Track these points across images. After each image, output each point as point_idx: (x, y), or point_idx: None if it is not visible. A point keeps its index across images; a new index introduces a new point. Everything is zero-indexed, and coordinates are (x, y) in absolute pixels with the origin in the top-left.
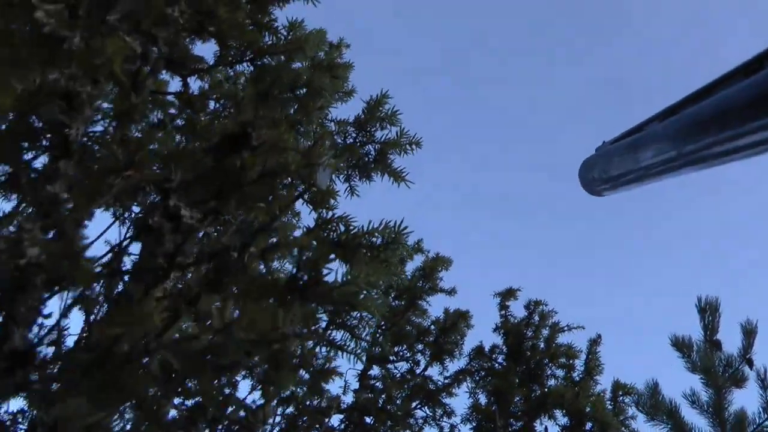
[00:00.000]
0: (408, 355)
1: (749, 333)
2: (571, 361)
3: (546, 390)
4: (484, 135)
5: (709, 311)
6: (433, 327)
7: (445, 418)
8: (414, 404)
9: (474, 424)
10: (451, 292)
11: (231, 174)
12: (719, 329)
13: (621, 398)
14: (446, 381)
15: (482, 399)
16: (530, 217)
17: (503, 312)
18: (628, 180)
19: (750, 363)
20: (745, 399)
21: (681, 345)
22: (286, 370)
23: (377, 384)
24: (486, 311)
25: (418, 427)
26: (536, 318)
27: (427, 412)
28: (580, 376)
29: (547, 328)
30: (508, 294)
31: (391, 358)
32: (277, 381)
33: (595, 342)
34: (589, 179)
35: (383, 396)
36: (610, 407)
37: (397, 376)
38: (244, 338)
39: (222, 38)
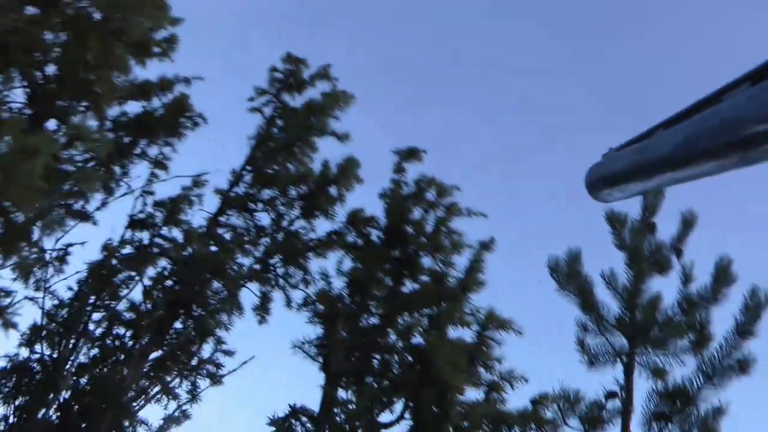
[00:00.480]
0: (279, 203)
1: (688, 223)
2: (452, 257)
3: (416, 287)
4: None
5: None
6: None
7: (301, 286)
8: (273, 261)
9: (317, 313)
10: (344, 138)
11: None
12: (658, 213)
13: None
14: (313, 243)
15: (338, 283)
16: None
17: (398, 176)
18: (635, 187)
19: (678, 253)
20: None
21: (614, 220)
22: None
23: (226, 234)
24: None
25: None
26: (432, 196)
27: (283, 272)
28: (460, 278)
29: (443, 209)
30: (410, 154)
31: (251, 205)
32: None
33: (486, 246)
34: (596, 185)
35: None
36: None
37: (251, 229)
38: None
39: None
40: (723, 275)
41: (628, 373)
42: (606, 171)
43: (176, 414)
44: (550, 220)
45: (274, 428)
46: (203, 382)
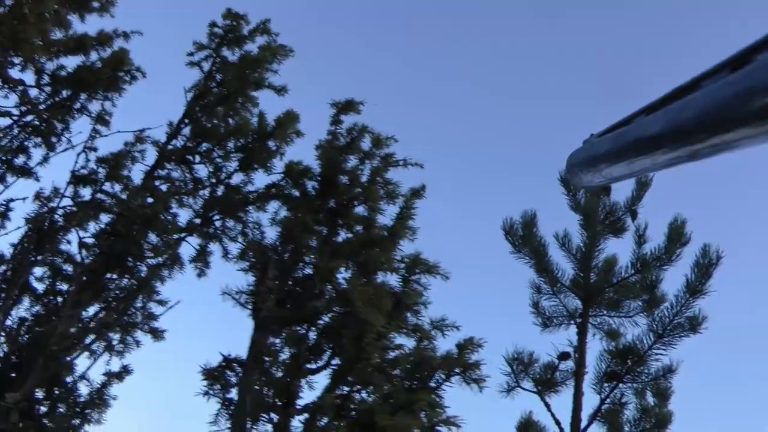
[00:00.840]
0: (217, 156)
1: (643, 185)
2: (386, 205)
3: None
4: None
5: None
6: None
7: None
8: (212, 214)
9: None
10: (282, 90)
11: None
12: None
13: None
14: (252, 196)
15: (272, 233)
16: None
17: (334, 127)
18: (614, 173)
19: (634, 215)
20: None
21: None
22: None
23: (162, 186)
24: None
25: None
26: (368, 145)
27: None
28: (389, 226)
29: (378, 159)
30: (346, 106)
31: (189, 158)
32: None
33: (417, 193)
34: (576, 171)
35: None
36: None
37: (188, 182)
38: None
39: None
40: (676, 235)
41: (582, 334)
42: (586, 157)
43: (118, 370)
44: (509, 183)
45: (206, 378)
46: (145, 337)
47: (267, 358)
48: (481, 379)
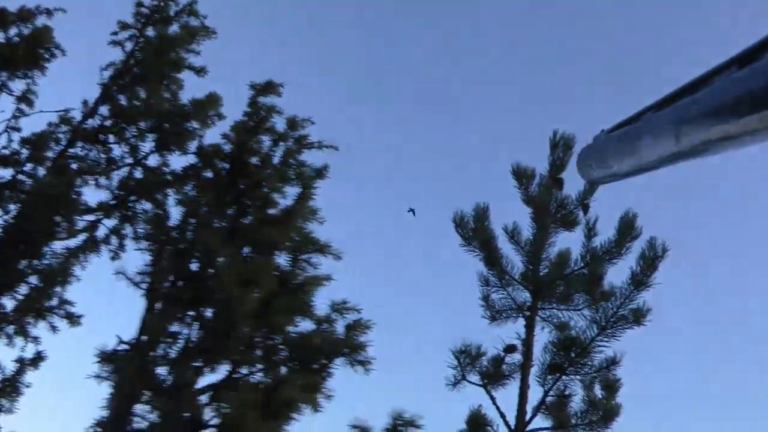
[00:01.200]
0: (132, 137)
1: None
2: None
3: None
4: None
5: (561, 147)
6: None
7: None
8: (126, 195)
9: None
10: (201, 71)
11: None
12: (567, 168)
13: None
14: (169, 177)
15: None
16: None
17: (252, 110)
18: (625, 170)
19: (585, 208)
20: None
21: (521, 174)
22: None
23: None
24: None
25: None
26: (283, 127)
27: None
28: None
29: (292, 141)
30: (266, 88)
31: (103, 137)
32: None
33: (319, 173)
34: (587, 168)
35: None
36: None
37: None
38: None
39: None
40: (627, 229)
41: (530, 327)
42: (596, 152)
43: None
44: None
45: (100, 361)
46: (61, 322)
47: (166, 340)
48: (367, 362)
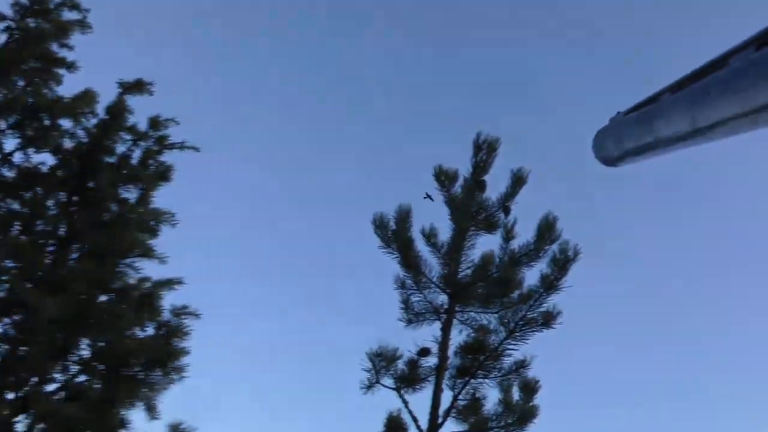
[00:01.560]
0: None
1: (518, 180)
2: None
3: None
4: None
5: (485, 149)
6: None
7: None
8: None
9: None
10: (72, 66)
11: None
12: (490, 171)
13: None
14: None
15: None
16: None
17: (116, 108)
18: (641, 152)
19: (506, 211)
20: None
21: (443, 176)
22: None
23: None
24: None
25: None
26: (145, 126)
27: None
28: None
29: (154, 140)
30: (135, 86)
31: None
32: None
33: (162, 175)
34: (603, 150)
35: None
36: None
37: None
38: None
39: None
40: (546, 232)
41: (446, 330)
42: (613, 133)
43: None
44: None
45: None
46: None
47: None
48: (181, 368)
